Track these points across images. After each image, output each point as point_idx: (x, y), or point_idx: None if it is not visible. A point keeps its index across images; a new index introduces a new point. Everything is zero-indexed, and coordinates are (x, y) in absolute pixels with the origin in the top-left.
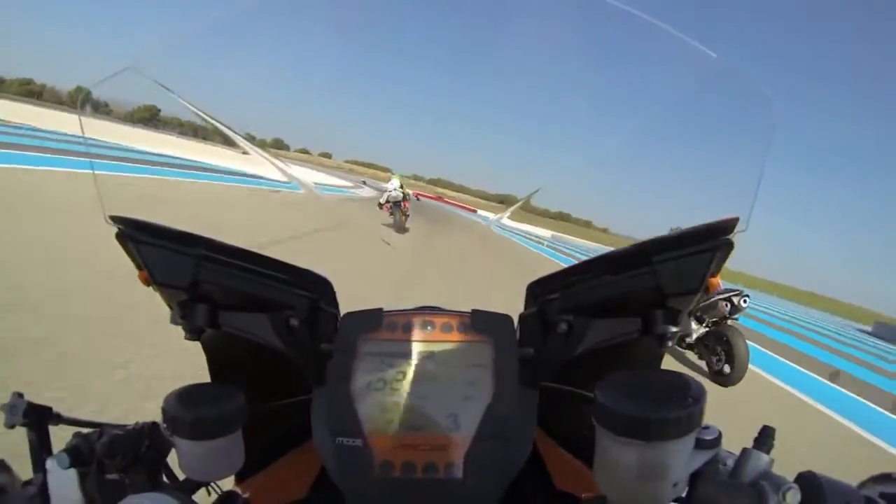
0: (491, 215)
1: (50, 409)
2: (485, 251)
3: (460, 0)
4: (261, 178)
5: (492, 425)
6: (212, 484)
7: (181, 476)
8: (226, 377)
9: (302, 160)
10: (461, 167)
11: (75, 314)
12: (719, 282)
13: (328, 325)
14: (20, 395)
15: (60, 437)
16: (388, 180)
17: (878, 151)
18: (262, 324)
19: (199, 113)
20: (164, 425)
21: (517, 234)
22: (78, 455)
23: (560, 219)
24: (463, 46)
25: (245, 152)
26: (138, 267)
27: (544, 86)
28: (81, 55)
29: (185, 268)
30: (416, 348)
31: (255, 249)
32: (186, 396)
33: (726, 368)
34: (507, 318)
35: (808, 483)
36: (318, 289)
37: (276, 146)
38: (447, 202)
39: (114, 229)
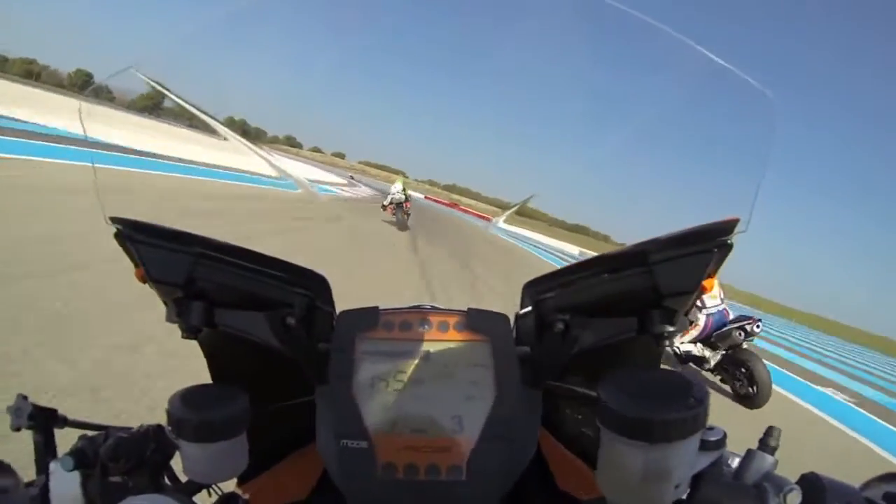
0: (508, 227)
1: (55, 411)
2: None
3: (475, 4)
4: (256, 174)
5: (496, 427)
6: (213, 486)
7: (184, 478)
8: (227, 377)
9: (290, 153)
10: (476, 174)
11: None
12: (716, 284)
13: (325, 324)
14: (24, 398)
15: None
16: (388, 179)
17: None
18: (257, 322)
19: (193, 109)
20: (169, 428)
21: (541, 248)
22: (82, 458)
23: (577, 231)
24: (479, 51)
25: (224, 138)
26: (135, 264)
27: (555, 89)
28: (91, 35)
29: (182, 265)
30: (415, 347)
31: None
32: (191, 398)
33: (751, 390)
34: (504, 317)
35: (811, 484)
36: (314, 287)
37: (289, 143)
38: (463, 209)
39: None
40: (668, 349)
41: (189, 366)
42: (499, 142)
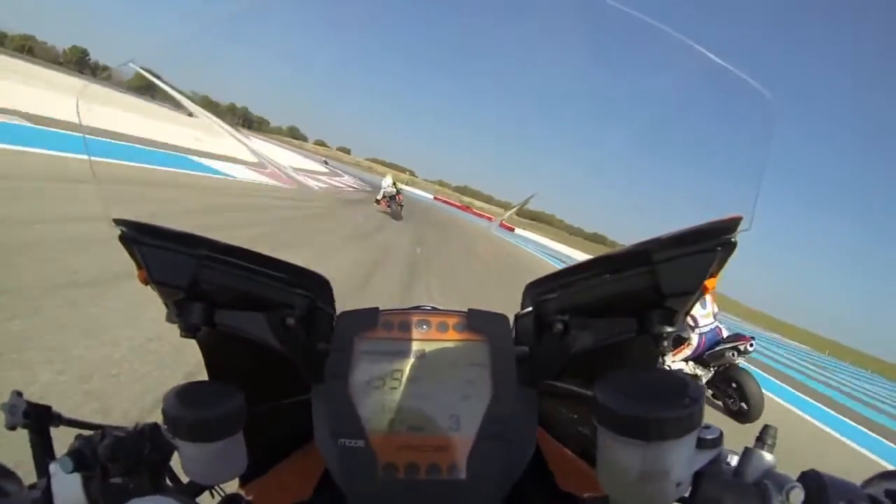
0: (531, 235)
1: (49, 408)
2: None
3: (479, 5)
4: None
5: (494, 426)
6: (215, 487)
7: (185, 479)
8: (224, 376)
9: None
10: (488, 176)
11: None
12: (709, 300)
13: (325, 325)
14: (19, 394)
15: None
16: (377, 171)
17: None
18: (258, 322)
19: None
20: (165, 427)
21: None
22: (81, 459)
23: (596, 241)
24: (482, 51)
25: (191, 114)
26: (138, 266)
27: (558, 90)
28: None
29: (183, 267)
30: (414, 347)
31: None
32: (186, 396)
33: (743, 406)
34: (504, 317)
35: (812, 482)
36: (315, 288)
37: (292, 135)
38: (476, 213)
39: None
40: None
41: None
42: (506, 143)
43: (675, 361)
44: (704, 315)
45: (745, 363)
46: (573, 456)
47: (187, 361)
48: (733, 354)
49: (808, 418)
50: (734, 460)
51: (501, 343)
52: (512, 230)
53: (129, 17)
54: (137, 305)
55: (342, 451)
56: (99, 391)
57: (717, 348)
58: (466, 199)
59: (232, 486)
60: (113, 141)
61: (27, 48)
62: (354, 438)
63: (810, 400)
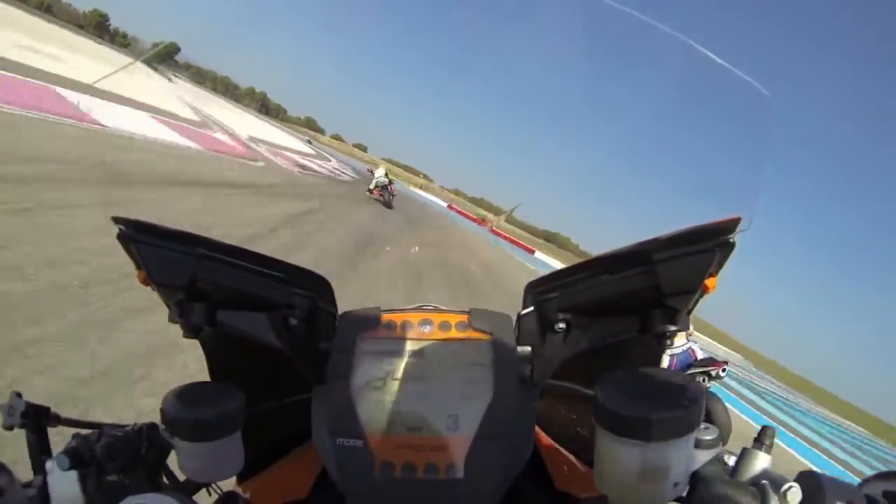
0: (549, 259)
1: (48, 409)
2: None
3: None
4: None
5: (492, 425)
6: (212, 485)
7: (182, 477)
8: (225, 376)
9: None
10: (509, 192)
11: None
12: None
13: (326, 325)
14: (18, 395)
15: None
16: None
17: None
18: (260, 323)
19: None
20: (163, 426)
21: None
22: (78, 456)
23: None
24: (485, 52)
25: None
26: (138, 267)
27: (563, 91)
28: None
29: (184, 267)
30: (415, 347)
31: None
32: (185, 396)
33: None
34: (506, 316)
35: (809, 482)
36: (316, 288)
37: (309, 125)
38: (496, 233)
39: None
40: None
41: None
42: (527, 157)
43: None
44: (678, 336)
45: (718, 385)
46: (571, 456)
47: None
48: (704, 379)
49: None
50: (731, 460)
51: (504, 343)
52: (532, 252)
53: None
54: None
55: (339, 450)
56: None
57: (689, 371)
58: (481, 212)
59: (229, 484)
60: None
61: (46, 6)
62: (352, 438)
63: None
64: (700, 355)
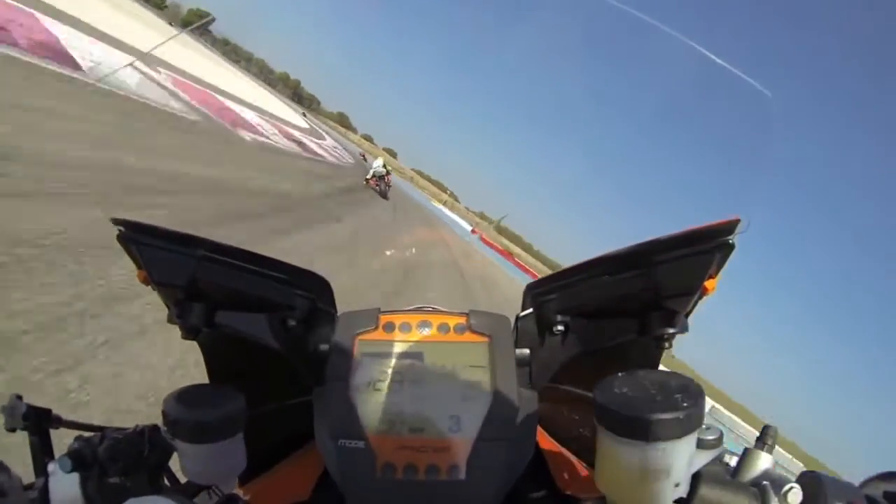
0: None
1: (49, 411)
2: None
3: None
4: None
5: (494, 427)
6: (213, 487)
7: (183, 479)
8: (224, 377)
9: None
10: (536, 225)
11: None
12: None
13: (326, 326)
14: (19, 398)
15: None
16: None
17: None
18: (258, 324)
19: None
20: (165, 428)
21: None
22: (80, 459)
23: None
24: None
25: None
26: (138, 266)
27: (565, 93)
28: None
29: (184, 267)
30: (415, 348)
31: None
32: (186, 398)
33: None
34: (505, 318)
35: (810, 482)
36: (316, 289)
37: (340, 122)
38: (517, 265)
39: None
40: None
41: None
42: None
43: None
44: None
45: None
46: (572, 457)
47: None
48: None
49: None
50: (733, 461)
51: (503, 344)
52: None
53: None
54: None
55: (341, 451)
56: None
57: None
58: (504, 242)
59: (230, 486)
60: None
61: None
62: (354, 439)
63: None
64: None
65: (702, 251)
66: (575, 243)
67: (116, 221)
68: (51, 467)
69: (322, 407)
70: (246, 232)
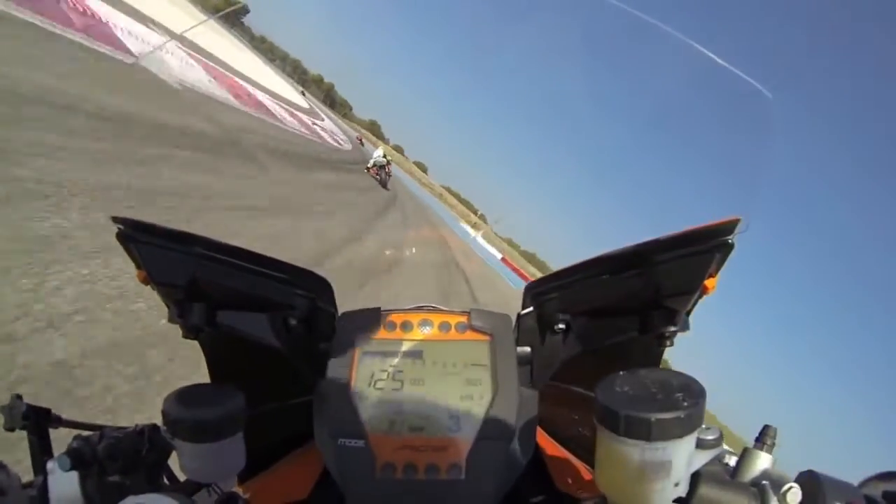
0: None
1: (49, 410)
2: None
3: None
4: None
5: (494, 426)
6: (213, 485)
7: (182, 477)
8: (225, 377)
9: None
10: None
11: None
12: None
13: (326, 325)
14: (19, 397)
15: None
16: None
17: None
18: (259, 323)
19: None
20: (165, 428)
21: None
22: (79, 457)
23: None
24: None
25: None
26: (138, 266)
27: (564, 91)
28: None
29: (184, 267)
30: (415, 348)
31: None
32: (186, 398)
33: None
34: (506, 317)
35: (809, 482)
36: (316, 288)
37: (371, 129)
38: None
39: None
40: None
41: None
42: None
43: None
44: None
45: None
46: (572, 456)
47: None
48: None
49: None
50: (732, 460)
51: (504, 343)
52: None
53: None
54: None
55: (341, 450)
56: None
57: None
58: (532, 270)
59: (229, 484)
60: None
61: None
62: (354, 438)
63: None
64: None
65: (702, 251)
66: (575, 243)
67: (116, 220)
68: (50, 466)
69: (322, 406)
70: None
